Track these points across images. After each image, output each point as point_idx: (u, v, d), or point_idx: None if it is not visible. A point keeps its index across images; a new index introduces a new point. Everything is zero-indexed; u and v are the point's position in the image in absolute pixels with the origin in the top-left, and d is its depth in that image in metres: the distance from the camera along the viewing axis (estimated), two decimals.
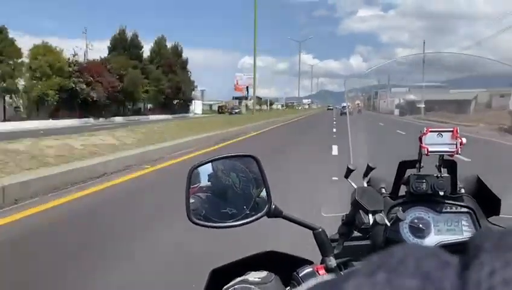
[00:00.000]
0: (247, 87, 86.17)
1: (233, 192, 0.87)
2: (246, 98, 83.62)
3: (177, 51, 55.13)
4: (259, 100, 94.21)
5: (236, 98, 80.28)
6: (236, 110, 61.54)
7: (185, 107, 55.75)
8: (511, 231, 0.21)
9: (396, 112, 37.77)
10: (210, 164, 0.89)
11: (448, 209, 0.97)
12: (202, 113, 61.13)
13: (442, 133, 0.93)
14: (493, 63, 1.16)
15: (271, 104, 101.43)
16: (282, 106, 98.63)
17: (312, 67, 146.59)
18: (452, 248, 0.95)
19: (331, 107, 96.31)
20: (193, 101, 60.17)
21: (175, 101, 53.47)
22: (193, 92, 58.82)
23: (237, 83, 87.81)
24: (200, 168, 0.88)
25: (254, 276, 0.78)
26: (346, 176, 0.97)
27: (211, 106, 77.94)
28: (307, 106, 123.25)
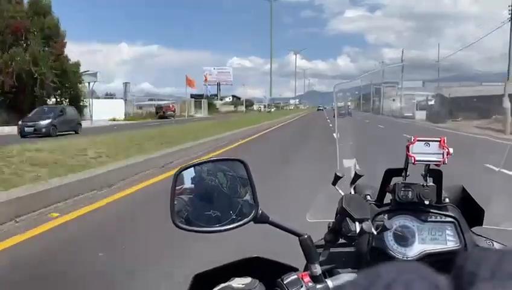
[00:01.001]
0: (218, 84, 77.07)
1: (219, 193, 0.86)
2: (209, 97, 71.18)
3: (38, 8, 29.50)
4: (237, 100, 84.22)
5: (194, 96, 61.72)
6: (170, 114, 43.62)
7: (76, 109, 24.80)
8: (508, 256, 0.20)
9: (421, 115, 27.79)
10: (197, 167, 0.88)
11: (433, 219, 0.98)
12: (125, 119, 38.60)
13: (429, 142, 0.94)
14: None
15: (250, 104, 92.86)
16: (266, 106, 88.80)
17: (304, 71, 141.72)
18: (435, 257, 0.96)
19: (321, 108, 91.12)
20: (90, 101, 33.45)
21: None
22: (88, 84, 33.38)
23: (206, 79, 76.12)
24: (185, 172, 0.87)
25: (238, 282, 0.77)
26: (334, 183, 0.97)
27: (141, 106, 50.86)
28: (292, 107, 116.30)
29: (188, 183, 0.87)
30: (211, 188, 0.86)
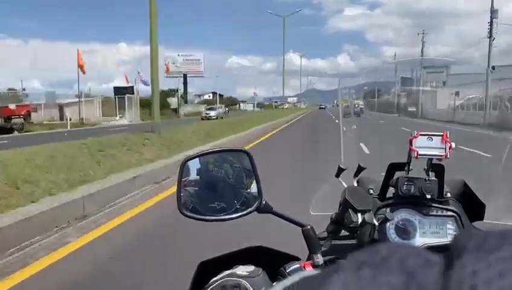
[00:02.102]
0: (184, 76, 56.96)
1: (224, 186, 0.88)
2: (166, 92, 50.34)
3: None
4: (221, 99, 70.87)
5: (118, 88, 40.58)
6: (16, 123, 24.72)
7: None
8: (493, 233, 0.22)
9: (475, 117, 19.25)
10: (201, 158, 0.89)
11: (434, 213, 0.99)
12: None
13: (432, 137, 0.95)
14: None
15: (232, 104, 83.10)
16: (257, 105, 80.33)
17: (300, 67, 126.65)
18: (436, 251, 0.97)
19: (323, 106, 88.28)
20: None
21: None
22: None
23: (168, 70, 56.35)
24: (190, 162, 0.88)
25: (242, 270, 0.78)
26: (337, 175, 0.98)
27: None
28: (286, 106, 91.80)
29: (193, 174, 0.89)
30: (217, 178, 0.88)
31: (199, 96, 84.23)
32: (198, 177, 0.89)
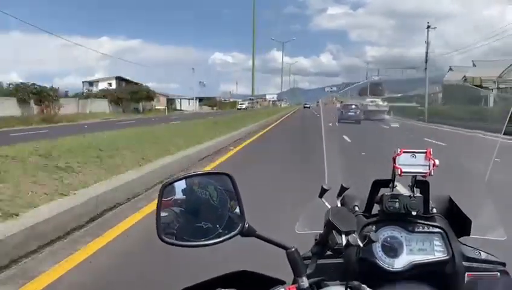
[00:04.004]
0: None
1: (208, 206, 0.86)
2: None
3: None
4: (128, 85, 48.73)
5: None
6: None
7: None
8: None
9: None
10: (184, 180, 0.88)
11: (421, 229, 0.98)
12: None
13: (415, 154, 0.94)
14: None
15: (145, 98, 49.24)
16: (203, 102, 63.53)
17: (290, 66, 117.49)
18: (423, 267, 0.96)
19: (308, 105, 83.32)
20: None
21: None
22: None
23: None
24: (175, 184, 0.87)
25: None
26: (320, 196, 0.97)
27: None
28: (244, 106, 68.37)
29: (179, 194, 0.87)
30: (201, 200, 0.87)
31: (90, 83, 54.92)
32: (184, 197, 0.88)
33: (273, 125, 23.43)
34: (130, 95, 48.15)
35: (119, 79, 54.20)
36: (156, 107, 54.75)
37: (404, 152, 0.94)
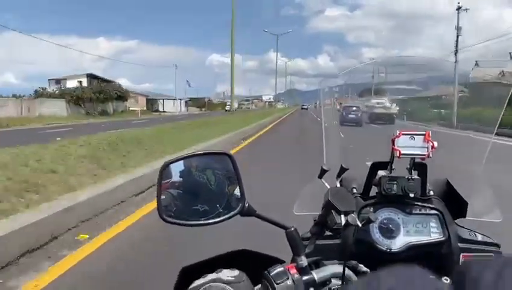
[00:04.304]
0: None
1: (206, 189, 0.86)
2: None
3: None
4: (100, 85, 42.78)
5: None
6: None
7: None
8: (509, 262, 0.20)
9: None
10: (183, 161, 0.87)
11: (418, 211, 0.99)
12: None
13: (414, 136, 0.95)
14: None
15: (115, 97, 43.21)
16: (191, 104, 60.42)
17: (286, 63, 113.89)
18: (420, 249, 0.97)
19: (306, 106, 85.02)
20: None
21: None
22: None
23: None
24: (173, 165, 0.86)
25: (226, 274, 0.76)
26: (320, 177, 0.97)
27: None
28: (227, 108, 61.34)
29: (176, 176, 0.86)
30: (200, 182, 0.86)
31: (57, 81, 47.84)
32: (181, 179, 0.87)
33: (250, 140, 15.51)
34: (96, 95, 41.22)
35: (90, 76, 48.29)
36: (131, 109, 49.59)
37: (403, 134, 0.95)
